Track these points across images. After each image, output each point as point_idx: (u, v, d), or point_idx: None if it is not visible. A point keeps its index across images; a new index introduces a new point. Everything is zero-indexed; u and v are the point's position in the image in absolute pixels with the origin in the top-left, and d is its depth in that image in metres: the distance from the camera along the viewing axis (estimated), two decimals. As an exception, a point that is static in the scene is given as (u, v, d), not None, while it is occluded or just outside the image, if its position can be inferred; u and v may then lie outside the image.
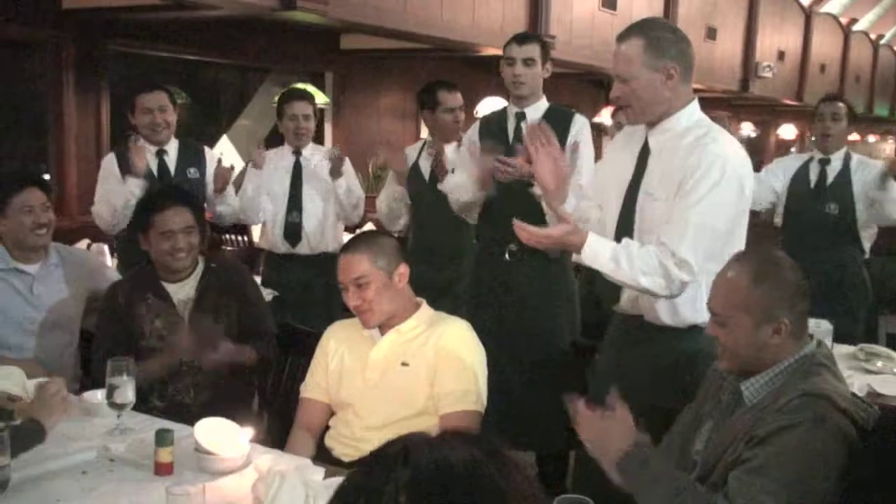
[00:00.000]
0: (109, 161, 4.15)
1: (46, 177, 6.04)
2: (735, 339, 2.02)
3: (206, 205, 4.19)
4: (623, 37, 2.48)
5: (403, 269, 2.59)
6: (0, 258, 3.19)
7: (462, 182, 3.71)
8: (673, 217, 2.38)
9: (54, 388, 2.35)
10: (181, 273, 3.07)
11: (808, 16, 14.70)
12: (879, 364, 3.29)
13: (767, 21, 13.14)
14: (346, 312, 2.77)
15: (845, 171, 4.48)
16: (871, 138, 21.02)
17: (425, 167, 4.33)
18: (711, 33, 11.67)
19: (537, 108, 3.68)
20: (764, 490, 1.82)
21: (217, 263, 3.17)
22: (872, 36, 18.02)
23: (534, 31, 8.02)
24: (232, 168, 4.26)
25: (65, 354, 3.24)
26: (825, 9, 15.75)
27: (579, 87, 10.21)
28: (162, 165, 4.15)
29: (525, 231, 2.42)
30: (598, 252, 2.37)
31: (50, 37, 6.14)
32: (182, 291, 3.06)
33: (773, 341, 1.99)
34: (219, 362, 2.92)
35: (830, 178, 4.52)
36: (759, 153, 15.82)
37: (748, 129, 15.99)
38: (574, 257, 2.44)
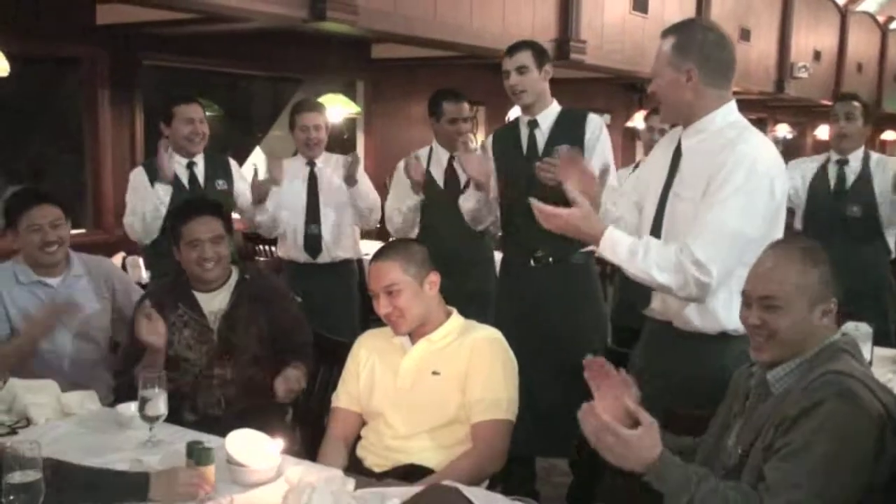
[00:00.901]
0: (138, 173, 4.22)
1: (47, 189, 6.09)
2: (787, 322, 1.99)
3: (238, 215, 4.25)
4: (664, 33, 2.52)
5: (434, 277, 2.60)
6: (23, 272, 3.23)
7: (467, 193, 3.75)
8: (697, 217, 2.36)
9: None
10: (213, 283, 3.08)
11: (843, 15, 14.51)
12: (920, 367, 3.23)
13: (802, 21, 12.98)
14: (369, 319, 2.78)
15: (865, 171, 4.42)
16: (911, 137, 20.68)
17: (437, 174, 4.33)
18: (745, 34, 11.56)
19: (549, 115, 3.66)
20: (797, 473, 1.81)
21: (251, 275, 3.18)
22: (910, 34, 17.75)
23: (564, 37, 8.00)
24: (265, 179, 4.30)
25: (97, 366, 3.27)
26: (861, 7, 15.53)
27: (612, 92, 10.15)
28: (192, 177, 4.21)
29: (539, 210, 2.42)
30: (617, 242, 2.36)
31: (85, 52, 6.23)
32: (214, 302, 3.07)
33: (822, 322, 1.99)
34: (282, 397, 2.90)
35: (850, 179, 4.46)
36: (796, 154, 15.63)
37: (784, 130, 15.81)
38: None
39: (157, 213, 4.00)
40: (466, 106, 4.35)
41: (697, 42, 2.45)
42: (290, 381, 2.90)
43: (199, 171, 4.25)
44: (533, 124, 3.67)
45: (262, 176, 4.32)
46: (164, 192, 4.01)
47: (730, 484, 1.93)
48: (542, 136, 3.64)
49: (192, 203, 3.28)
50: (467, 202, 3.81)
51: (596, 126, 3.63)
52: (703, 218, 2.34)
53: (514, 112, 8.03)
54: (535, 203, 2.43)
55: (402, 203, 4.32)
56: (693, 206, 2.40)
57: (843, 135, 4.47)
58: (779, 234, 2.44)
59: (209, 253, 3.02)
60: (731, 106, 2.51)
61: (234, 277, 3.13)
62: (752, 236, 2.33)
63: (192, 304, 3.05)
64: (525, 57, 3.59)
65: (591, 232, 2.39)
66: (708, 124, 2.48)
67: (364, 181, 4.58)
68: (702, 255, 2.28)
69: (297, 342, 3.11)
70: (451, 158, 4.31)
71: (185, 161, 4.21)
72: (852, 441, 1.82)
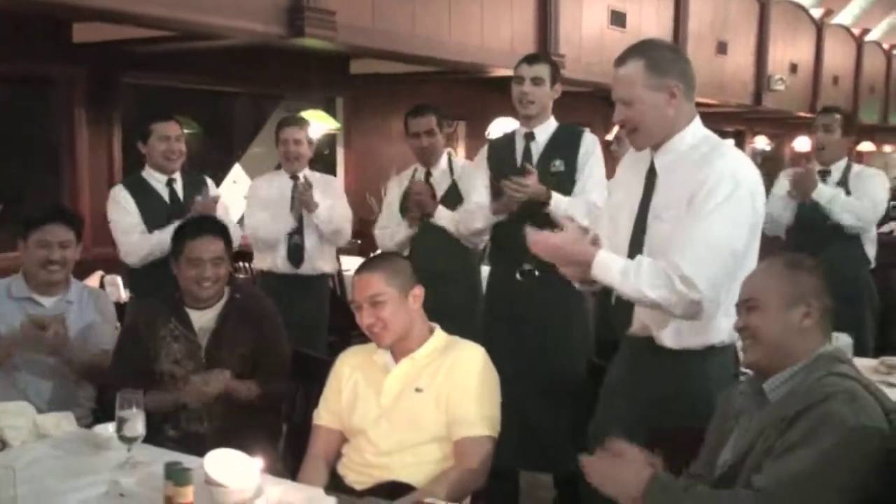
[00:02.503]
0: (120, 192, 4.18)
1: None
2: (765, 322, 2.03)
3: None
4: (622, 60, 2.45)
5: (418, 291, 2.60)
6: (17, 287, 3.22)
7: (474, 209, 3.71)
8: (681, 233, 2.35)
9: None
10: (205, 301, 3.09)
11: (819, 28, 14.64)
12: (901, 377, 3.24)
13: (779, 34, 13.09)
14: (350, 336, 2.77)
15: (844, 181, 4.47)
16: (888, 148, 20.90)
17: None
18: (722, 48, 11.63)
19: (546, 129, 3.69)
20: (794, 468, 1.82)
21: (242, 294, 3.18)
22: (885, 46, 17.93)
23: (543, 51, 8.03)
24: (218, 199, 4.27)
25: (77, 396, 3.23)
26: (837, 20, 15.69)
27: (591, 106, 10.19)
28: (172, 194, 4.21)
29: (531, 235, 2.38)
30: (609, 265, 2.34)
31: (62, 71, 6.18)
32: (204, 319, 3.09)
33: (803, 325, 2.01)
34: (222, 395, 2.90)
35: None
36: (774, 166, 15.75)
37: (762, 142, 15.93)
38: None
39: (162, 247, 3.87)
40: (431, 119, 4.29)
41: (670, 58, 2.44)
42: (221, 383, 2.90)
43: (178, 188, 4.24)
44: (529, 137, 3.69)
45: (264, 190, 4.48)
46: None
47: (720, 491, 1.94)
48: (537, 150, 3.67)
49: (200, 221, 3.29)
50: (477, 222, 3.78)
51: (590, 144, 3.67)
52: (688, 234, 2.32)
53: (495, 127, 8.05)
54: (530, 231, 2.39)
55: (395, 232, 4.32)
56: (675, 225, 2.39)
57: (822, 146, 4.53)
58: (756, 247, 2.45)
59: (209, 273, 3.03)
60: (698, 120, 2.51)
61: (225, 296, 3.14)
62: (737, 250, 2.34)
63: (183, 319, 3.07)
64: (543, 69, 3.65)
65: (583, 255, 2.35)
66: (679, 142, 2.46)
67: (337, 199, 4.67)
68: (689, 272, 2.27)
69: (274, 365, 3.11)
70: (427, 174, 4.31)
71: (164, 178, 4.20)
72: (855, 435, 1.82)
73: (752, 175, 2.41)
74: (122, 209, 4.14)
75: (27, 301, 3.21)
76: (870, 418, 1.84)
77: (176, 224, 3.55)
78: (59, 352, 3.09)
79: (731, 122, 14.36)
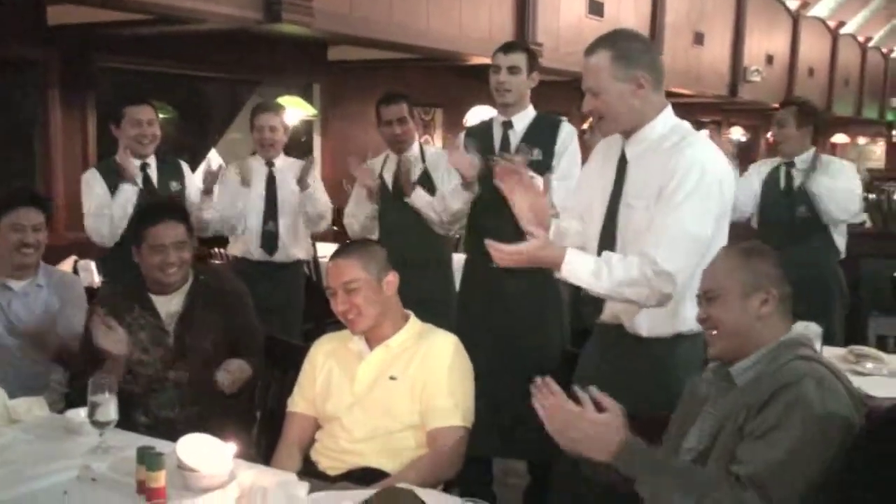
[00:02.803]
0: (92, 176, 4.19)
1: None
2: (725, 312, 2.06)
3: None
4: (591, 50, 2.47)
5: (392, 278, 2.61)
6: None
7: (452, 189, 3.74)
8: (653, 225, 2.37)
9: None
10: (171, 287, 3.05)
11: (795, 20, 14.76)
12: (869, 366, 3.29)
13: (755, 25, 13.18)
14: (325, 323, 2.77)
15: (811, 172, 4.51)
16: (861, 140, 21.11)
17: (389, 179, 4.33)
18: (699, 38, 11.70)
19: (524, 117, 3.70)
20: (770, 450, 1.85)
21: (206, 277, 3.16)
22: (860, 39, 18.10)
23: (521, 40, 8.04)
24: (220, 168, 4.31)
25: (48, 378, 3.23)
26: (813, 12, 15.82)
27: (568, 95, 10.21)
28: (146, 179, 4.20)
29: (496, 250, 2.39)
30: (578, 267, 2.36)
31: (36, 53, 6.13)
32: (170, 304, 3.05)
33: (762, 312, 2.03)
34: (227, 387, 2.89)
35: (798, 180, 4.58)
36: (750, 157, 15.86)
37: (738, 133, 16.03)
38: (555, 274, 2.43)
39: (124, 214, 4.00)
40: (403, 107, 4.27)
41: (638, 49, 2.46)
42: (232, 371, 2.90)
43: (153, 172, 4.22)
44: (507, 125, 3.71)
45: (232, 175, 4.43)
46: (131, 193, 4.03)
47: (693, 467, 1.98)
48: (515, 138, 3.68)
49: (158, 206, 3.26)
50: (454, 203, 3.80)
51: (568, 134, 3.68)
52: (660, 225, 2.35)
53: (472, 114, 8.06)
54: (491, 244, 2.39)
55: (361, 212, 4.32)
56: (646, 213, 2.41)
57: (778, 142, 4.63)
58: (724, 234, 2.48)
59: (173, 258, 3.00)
60: (669, 110, 2.53)
61: (190, 280, 3.11)
62: (707, 238, 2.37)
63: (148, 306, 3.03)
64: (519, 58, 3.66)
65: (552, 260, 2.37)
66: (650, 132, 2.49)
67: (317, 187, 4.65)
68: (666, 266, 2.30)
69: (249, 345, 3.09)
70: (399, 161, 4.31)
71: (138, 162, 4.18)
72: (825, 418, 1.85)
73: (719, 163, 2.44)
74: (93, 192, 4.13)
75: None
76: (838, 403, 1.88)
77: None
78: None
79: (707, 112, 14.44)
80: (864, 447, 1.90)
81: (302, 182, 4.50)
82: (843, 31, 16.90)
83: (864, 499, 1.91)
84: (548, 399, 2.07)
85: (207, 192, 4.33)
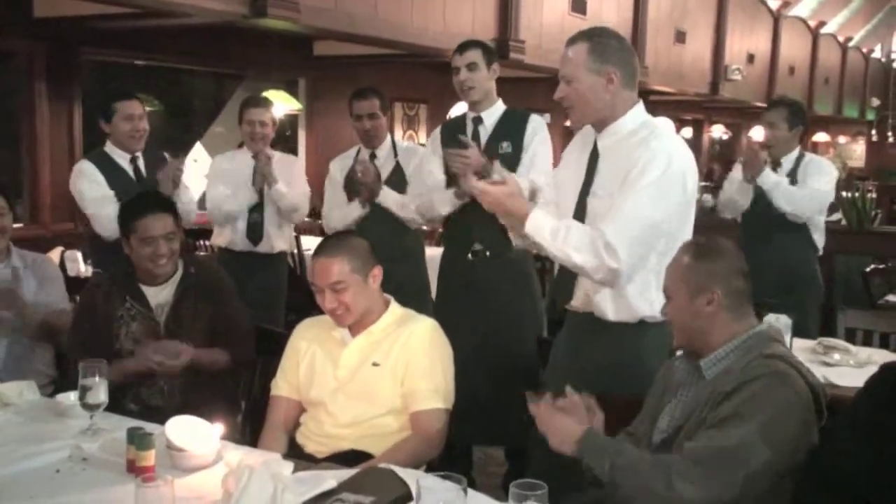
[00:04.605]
0: (90, 169, 4.16)
1: None
2: (676, 310, 2.20)
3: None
4: (571, 41, 2.60)
5: (377, 272, 2.65)
6: None
7: (440, 196, 3.77)
8: (613, 205, 2.48)
9: None
10: (161, 277, 3.10)
11: (776, 19, 14.89)
12: (837, 357, 3.38)
13: (736, 24, 13.29)
14: (311, 313, 2.84)
15: (794, 171, 4.59)
16: (842, 139, 21.29)
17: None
18: (681, 37, 11.80)
19: (493, 112, 3.78)
20: (722, 438, 1.94)
21: (196, 268, 3.21)
22: (841, 38, 18.26)
23: (503, 37, 8.12)
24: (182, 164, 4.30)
25: (32, 360, 3.27)
26: (794, 12, 15.95)
27: (551, 91, 10.31)
28: (137, 172, 4.21)
29: (473, 185, 2.54)
30: (541, 225, 2.48)
31: (22, 45, 6.15)
32: (160, 295, 3.09)
33: (707, 310, 2.14)
34: (189, 366, 2.94)
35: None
36: (731, 154, 15.99)
37: (719, 131, 16.17)
38: (514, 240, 2.56)
39: None
40: (374, 102, 4.32)
41: (614, 47, 2.57)
42: (198, 355, 2.96)
43: (141, 165, 4.25)
44: (477, 121, 3.78)
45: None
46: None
47: (650, 454, 2.07)
48: (485, 133, 3.75)
49: (146, 198, 3.26)
50: (443, 208, 3.79)
51: (536, 126, 3.75)
52: (618, 206, 2.46)
53: (456, 110, 8.11)
54: (471, 179, 2.55)
55: (347, 214, 4.30)
56: (609, 201, 2.52)
57: (770, 144, 4.64)
58: (689, 227, 2.58)
59: (163, 249, 3.03)
60: (641, 107, 2.64)
61: (180, 271, 3.15)
62: (662, 227, 2.47)
63: (139, 297, 3.07)
64: (475, 55, 3.72)
65: (517, 210, 2.50)
66: (621, 126, 2.60)
67: (295, 178, 4.77)
68: (612, 239, 2.41)
69: (238, 335, 3.14)
70: (371, 155, 4.37)
71: (127, 156, 4.21)
72: (781, 415, 1.95)
73: (685, 156, 2.55)
74: (93, 182, 4.12)
75: None
76: (797, 399, 1.97)
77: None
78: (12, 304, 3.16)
79: (689, 110, 14.57)
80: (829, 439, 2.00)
81: (267, 178, 4.58)
82: (823, 30, 17.05)
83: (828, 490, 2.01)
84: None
85: (174, 187, 4.29)
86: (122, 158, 4.18)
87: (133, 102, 4.18)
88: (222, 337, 3.10)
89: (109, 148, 4.18)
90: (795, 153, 4.65)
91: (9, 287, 3.21)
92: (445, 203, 3.78)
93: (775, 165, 4.62)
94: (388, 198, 4.17)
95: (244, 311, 3.26)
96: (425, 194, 3.87)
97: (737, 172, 4.78)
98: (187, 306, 3.08)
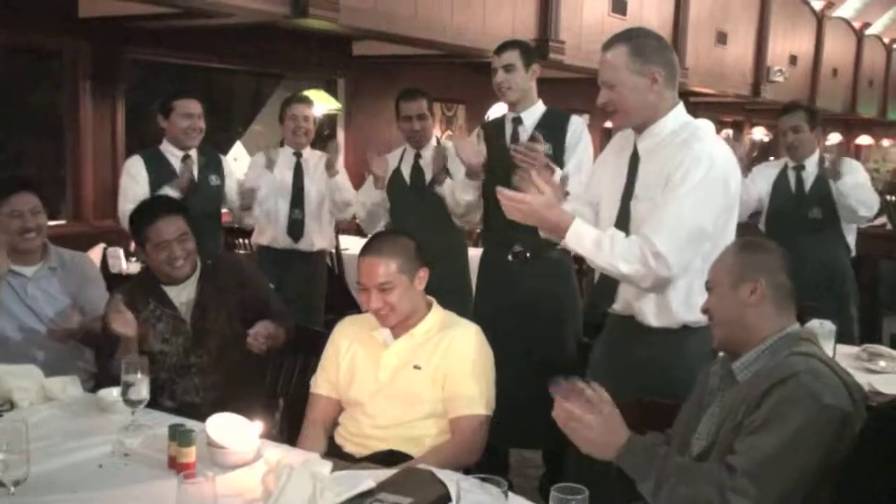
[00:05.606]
0: (136, 164, 4.25)
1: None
2: (718, 300, 2.16)
3: (227, 210, 4.37)
4: (608, 45, 2.56)
5: (423, 273, 2.64)
6: None
7: (460, 181, 3.81)
8: (656, 210, 2.44)
9: None
10: (181, 278, 3.12)
11: (819, 20, 14.69)
12: (882, 364, 3.33)
13: (779, 25, 13.13)
14: (346, 314, 2.84)
15: (821, 174, 4.54)
16: (886, 142, 20.95)
17: (406, 172, 4.40)
18: (722, 38, 11.68)
19: (533, 113, 3.77)
20: (762, 445, 1.89)
21: (213, 260, 3.23)
22: (886, 40, 17.97)
23: (542, 37, 8.08)
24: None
25: (75, 357, 3.30)
26: (837, 13, 15.74)
27: (591, 93, 10.26)
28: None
29: (505, 197, 2.47)
30: (583, 235, 2.43)
31: (67, 44, 6.23)
32: (183, 294, 3.12)
33: (750, 300, 2.10)
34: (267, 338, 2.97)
35: (809, 182, 4.62)
36: (772, 156, 15.79)
37: (760, 133, 15.98)
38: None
39: None
40: (423, 103, 4.35)
41: (653, 46, 2.53)
42: (268, 327, 2.97)
43: (194, 165, 4.31)
44: (517, 121, 3.77)
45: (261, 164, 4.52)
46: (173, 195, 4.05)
47: (694, 464, 2.03)
48: (524, 134, 3.73)
49: (154, 203, 3.29)
50: (464, 195, 3.87)
51: (578, 127, 3.73)
52: (662, 212, 2.42)
53: (495, 110, 8.11)
54: (501, 190, 2.48)
55: (368, 198, 4.41)
56: (652, 204, 2.48)
57: (795, 147, 4.61)
58: (732, 229, 2.54)
59: (178, 252, 3.06)
60: (681, 107, 2.59)
61: (199, 267, 3.17)
62: (708, 230, 2.43)
63: (162, 298, 3.10)
64: (513, 56, 3.70)
65: (557, 221, 2.45)
66: (662, 127, 2.56)
67: (342, 175, 4.75)
68: (662, 248, 2.36)
69: (273, 311, 3.15)
70: (416, 156, 4.38)
71: (180, 154, 4.28)
72: (819, 419, 1.90)
73: (727, 158, 2.50)
74: (132, 178, 4.22)
75: (9, 274, 3.22)
76: (833, 397, 1.92)
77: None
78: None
79: (729, 112, 14.42)
80: (869, 441, 1.96)
81: (330, 168, 4.59)
82: (868, 32, 16.80)
83: (869, 492, 1.98)
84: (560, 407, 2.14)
85: (246, 208, 4.41)
86: (173, 157, 4.28)
87: (192, 101, 4.30)
88: (261, 316, 3.09)
89: (164, 146, 4.29)
90: (816, 155, 4.62)
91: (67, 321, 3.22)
92: (464, 189, 3.79)
93: (799, 169, 4.60)
94: (445, 186, 4.17)
95: (272, 289, 3.27)
96: (457, 183, 3.91)
97: (758, 178, 4.75)
98: (210, 300, 3.10)
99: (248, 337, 2.95)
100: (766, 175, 4.78)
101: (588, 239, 2.43)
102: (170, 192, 4.03)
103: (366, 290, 2.58)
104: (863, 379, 3.09)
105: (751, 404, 1.97)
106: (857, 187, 4.44)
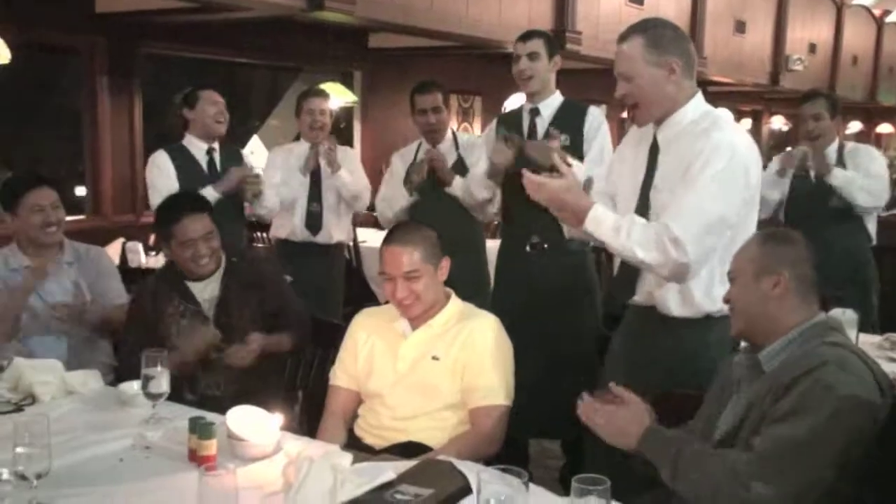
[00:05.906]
0: (162, 157, 4.28)
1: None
2: (740, 291, 2.14)
3: (247, 203, 4.39)
4: (623, 37, 2.52)
5: (445, 263, 2.65)
6: (14, 257, 3.31)
7: (477, 179, 3.79)
8: (675, 198, 2.41)
9: None
10: (206, 274, 3.13)
11: (839, 8, 14.56)
12: (905, 353, 3.30)
13: (797, 14, 13.03)
14: (363, 306, 2.84)
15: (841, 162, 4.50)
16: (906, 131, 20.74)
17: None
18: (740, 27, 11.60)
19: (551, 104, 3.75)
20: (787, 434, 1.88)
21: (238, 258, 3.23)
22: (906, 27, 17.79)
23: (559, 27, 8.05)
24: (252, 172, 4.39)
25: (94, 349, 3.33)
26: (857, 1, 15.59)
27: (607, 83, 10.22)
28: (210, 163, 4.33)
29: (527, 178, 2.44)
30: (602, 220, 2.40)
31: (84, 40, 6.26)
32: (207, 290, 3.13)
33: (773, 293, 2.08)
34: (254, 353, 2.98)
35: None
36: (792, 145, 15.66)
37: (779, 122, 15.86)
38: (569, 231, 2.47)
39: None
40: (438, 96, 4.33)
41: (669, 36, 2.50)
42: (264, 342, 3.00)
43: (217, 158, 4.34)
44: (535, 112, 3.75)
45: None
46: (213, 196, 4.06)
47: (714, 450, 2.02)
48: (542, 124, 3.72)
49: (180, 201, 3.27)
50: (480, 192, 3.87)
51: (595, 118, 3.71)
52: (682, 200, 2.38)
53: (512, 101, 8.08)
54: (526, 173, 2.45)
55: (396, 203, 4.37)
56: (672, 194, 2.45)
57: (816, 136, 4.55)
58: (754, 218, 2.51)
59: (203, 250, 3.06)
60: (700, 96, 2.56)
61: (224, 264, 3.18)
62: (728, 220, 2.40)
63: (186, 294, 3.10)
64: (537, 44, 3.69)
65: (577, 205, 2.41)
66: (682, 117, 2.52)
67: (355, 168, 4.75)
68: (679, 234, 2.33)
69: (290, 318, 3.16)
70: (426, 159, 4.35)
71: (204, 147, 4.30)
72: (845, 410, 1.88)
73: (748, 147, 2.47)
74: (163, 173, 4.23)
75: (27, 270, 3.28)
76: (861, 387, 1.90)
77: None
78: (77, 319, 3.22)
79: (748, 101, 14.33)
80: (891, 431, 1.94)
81: (331, 165, 4.58)
82: (888, 19, 16.63)
83: (891, 483, 1.96)
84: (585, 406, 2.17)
85: (256, 195, 4.39)
86: (198, 150, 4.31)
87: (214, 92, 4.34)
88: (277, 320, 3.12)
89: (188, 140, 4.31)
90: (836, 143, 4.58)
91: (73, 302, 3.26)
92: (479, 187, 3.78)
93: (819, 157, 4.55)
94: (456, 186, 4.16)
95: (293, 295, 3.27)
96: (472, 179, 3.91)
97: (768, 169, 4.70)
98: (234, 297, 3.11)
99: (231, 348, 2.98)
100: (779, 185, 4.70)
101: (607, 224, 2.40)
102: (211, 192, 4.05)
103: (391, 280, 2.58)
104: (886, 368, 3.06)
105: (777, 394, 1.96)
106: (852, 180, 4.40)
